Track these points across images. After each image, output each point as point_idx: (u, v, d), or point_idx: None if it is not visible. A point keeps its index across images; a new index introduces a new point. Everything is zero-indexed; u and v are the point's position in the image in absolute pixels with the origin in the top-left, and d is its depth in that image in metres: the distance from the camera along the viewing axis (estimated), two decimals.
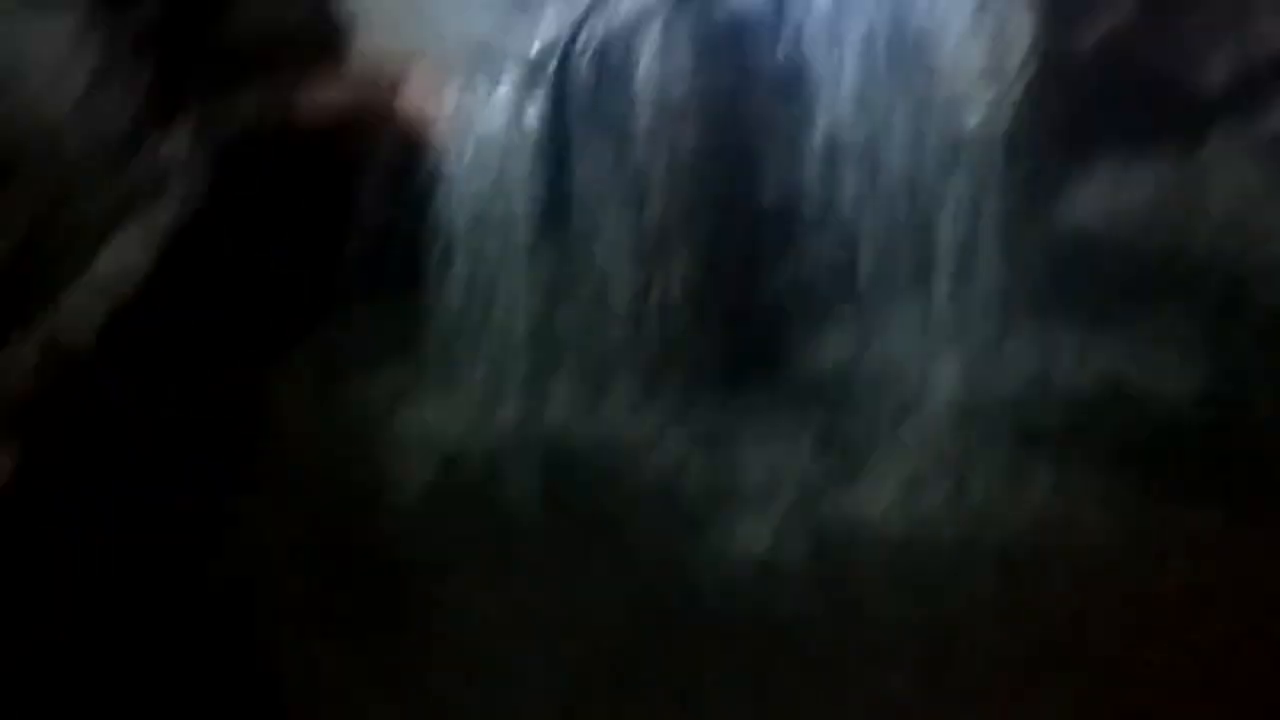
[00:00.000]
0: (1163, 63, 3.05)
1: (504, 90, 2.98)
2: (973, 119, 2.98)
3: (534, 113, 2.97)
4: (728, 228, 3.03)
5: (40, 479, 2.88)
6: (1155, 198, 3.00)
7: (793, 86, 2.99)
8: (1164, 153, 3.02)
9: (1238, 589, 2.79)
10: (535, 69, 2.97)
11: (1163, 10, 3.04)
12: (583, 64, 2.97)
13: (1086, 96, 3.04)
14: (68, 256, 2.90)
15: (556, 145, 2.99)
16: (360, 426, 3.00)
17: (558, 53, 2.96)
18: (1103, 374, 2.95)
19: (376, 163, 2.98)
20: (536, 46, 2.95)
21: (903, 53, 3.00)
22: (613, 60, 2.98)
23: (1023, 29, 3.02)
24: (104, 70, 2.86)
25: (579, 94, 2.98)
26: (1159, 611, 2.82)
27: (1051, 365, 2.97)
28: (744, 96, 3.02)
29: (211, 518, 2.95)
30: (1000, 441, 2.94)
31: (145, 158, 2.90)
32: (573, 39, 2.95)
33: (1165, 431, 2.96)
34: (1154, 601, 2.83)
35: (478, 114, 2.98)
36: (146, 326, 2.90)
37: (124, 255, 2.92)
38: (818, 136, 2.98)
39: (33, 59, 2.83)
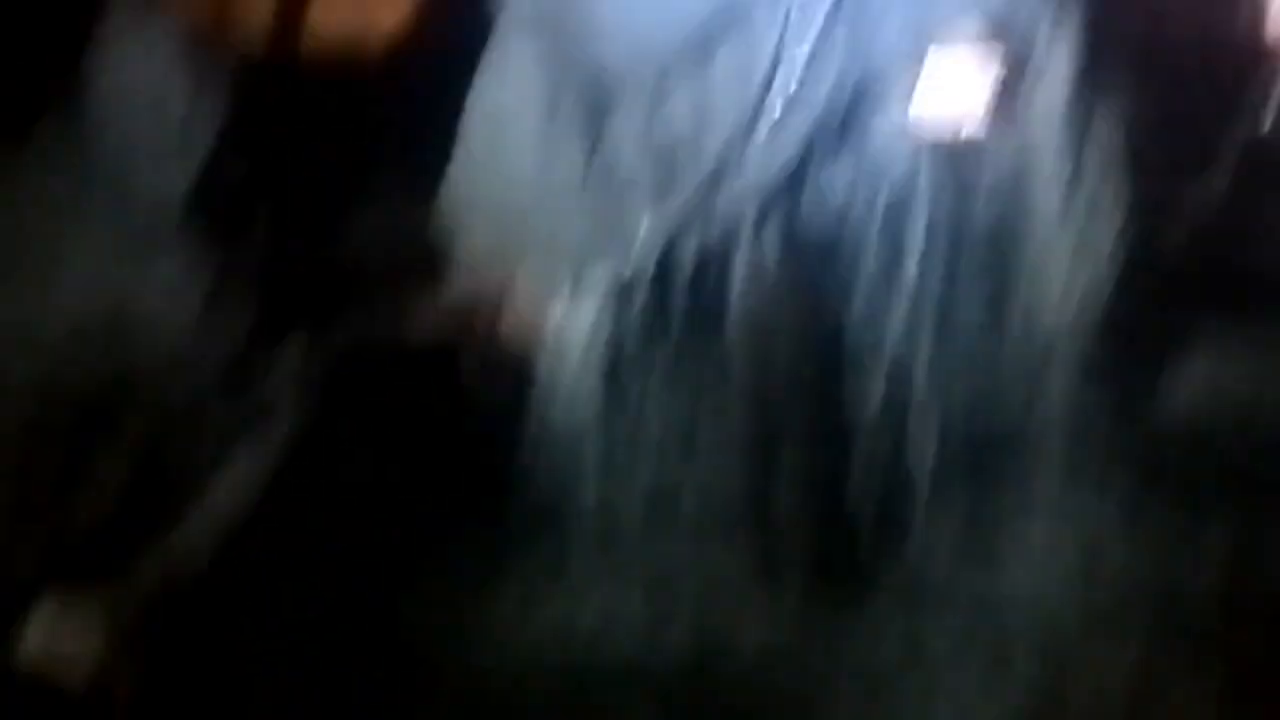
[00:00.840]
0: (1252, 252, 3.08)
1: (602, 301, 3.03)
2: (1063, 313, 3.03)
3: (631, 322, 3.03)
4: (821, 437, 3.07)
5: (158, 707, 2.92)
6: (1252, 386, 3.02)
7: (881, 289, 3.04)
8: (1256, 340, 3.05)
9: None
10: (632, 279, 3.02)
11: (1251, 200, 3.08)
12: (678, 273, 3.03)
13: (1177, 287, 3.07)
14: (181, 485, 2.95)
15: (653, 354, 3.05)
16: (488, 639, 3.02)
17: (654, 263, 3.01)
18: (1211, 566, 2.97)
19: (482, 377, 3.04)
20: (633, 257, 2.99)
21: (993, 246, 3.05)
22: (707, 269, 3.03)
23: (1112, 219, 3.07)
24: (214, 300, 2.92)
25: (675, 303, 3.04)
26: None
27: (1158, 560, 2.98)
28: (835, 303, 3.06)
29: None
30: (1106, 637, 2.95)
31: (255, 383, 2.96)
32: (668, 249, 3.00)
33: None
34: None
35: (578, 325, 3.04)
36: (262, 553, 2.95)
37: (237, 482, 2.96)
38: (908, 338, 3.03)
39: (144, 296, 2.89)
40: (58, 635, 2.92)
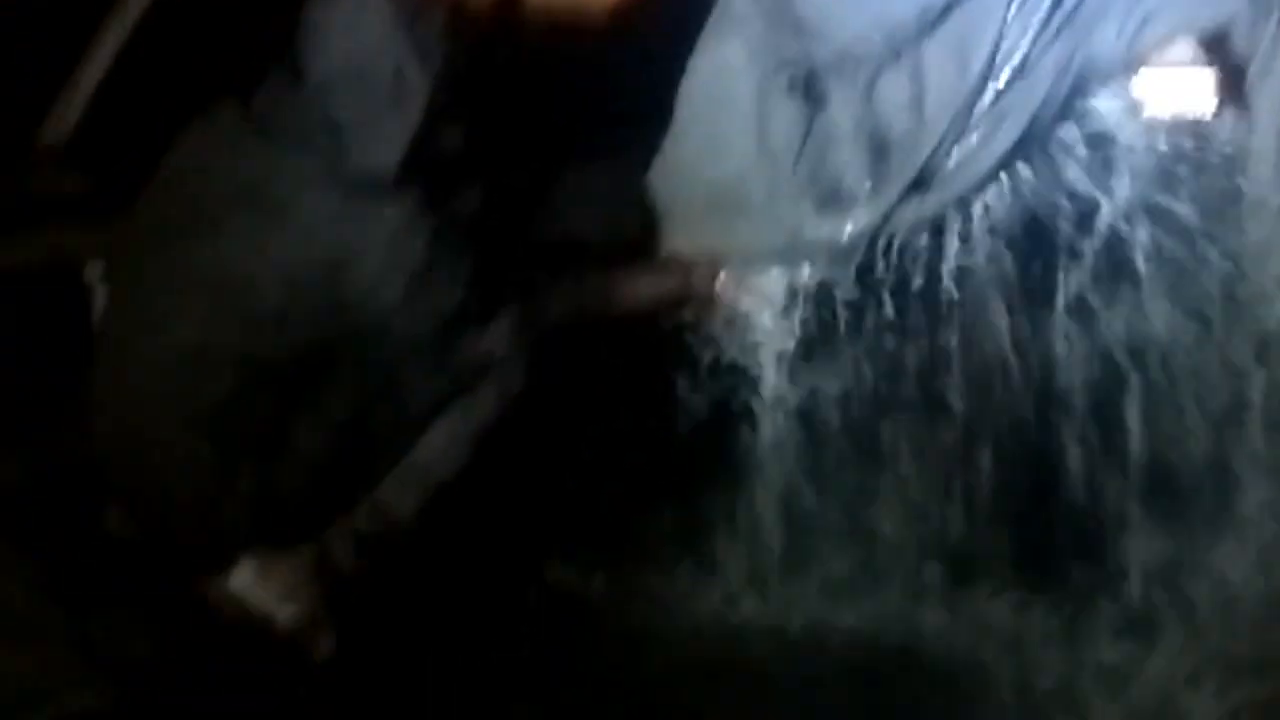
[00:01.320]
0: None
1: (812, 278, 3.02)
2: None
3: (841, 299, 3.02)
4: (1025, 423, 3.05)
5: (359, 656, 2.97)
6: None
7: (1096, 280, 3.00)
8: None
9: None
10: (844, 258, 3.01)
11: None
12: (889, 255, 3.01)
13: None
14: (390, 440, 2.99)
15: (863, 331, 3.04)
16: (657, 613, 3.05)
17: (865, 243, 2.99)
18: None
19: (691, 350, 3.05)
20: (846, 235, 2.97)
21: (1211, 235, 3.00)
22: (919, 249, 3.01)
23: None
24: (429, 262, 2.94)
25: (883, 281, 3.03)
26: None
27: None
28: (1046, 289, 3.03)
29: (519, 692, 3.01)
30: None
31: (466, 349, 2.98)
32: (879, 230, 2.98)
33: None
34: None
35: (788, 299, 3.03)
36: (464, 515, 2.98)
37: (444, 443, 2.99)
38: (1120, 332, 2.99)
39: (364, 248, 2.91)
40: (260, 584, 2.97)
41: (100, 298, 3.08)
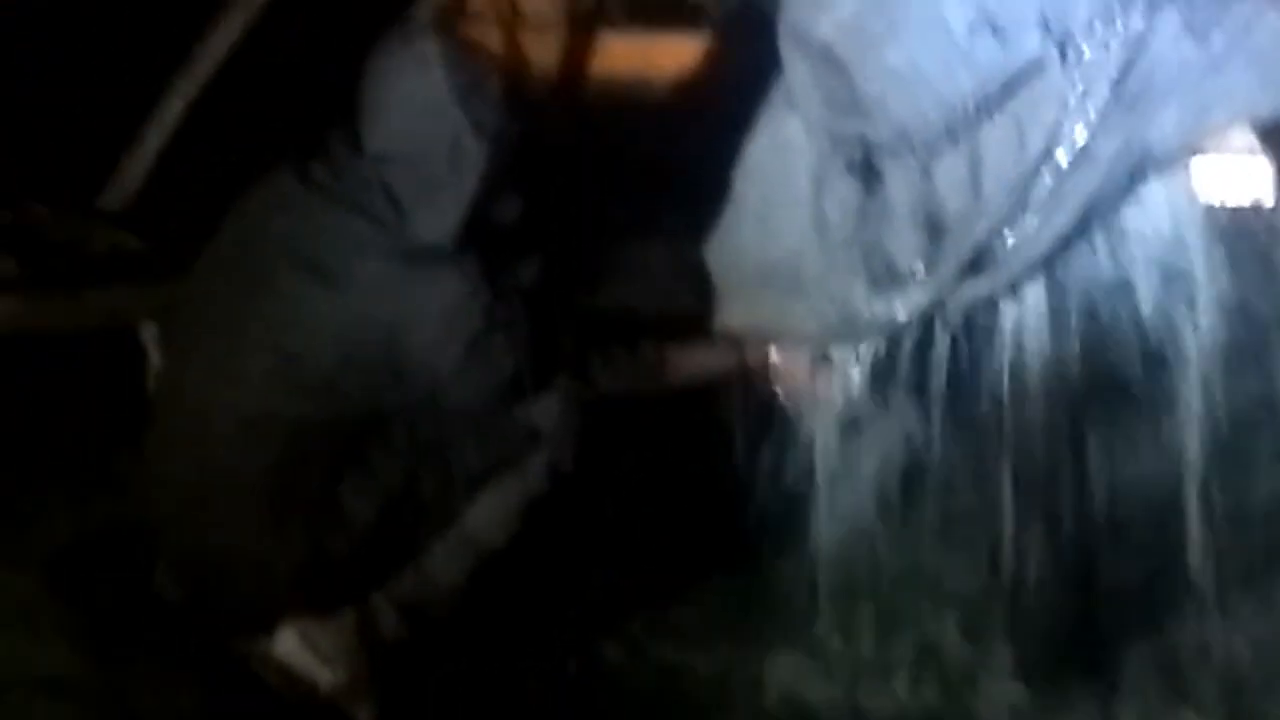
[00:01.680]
0: None
1: (867, 357, 3.01)
2: None
3: (896, 379, 3.01)
4: (1082, 505, 3.02)
5: None
6: None
7: (1153, 361, 2.98)
8: None
9: None
10: (898, 337, 2.99)
11: None
12: (944, 335, 2.99)
13: None
14: (439, 507, 3.00)
15: (918, 412, 3.02)
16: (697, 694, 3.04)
17: (920, 322, 2.98)
18: None
19: (742, 427, 3.05)
20: (900, 316, 2.96)
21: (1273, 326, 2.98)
22: (973, 332, 3.00)
23: None
24: (484, 332, 2.95)
25: (938, 363, 3.01)
26: None
27: None
28: (1102, 370, 3.01)
29: None
30: None
31: (518, 418, 2.99)
32: (934, 310, 2.97)
33: None
34: None
35: (841, 381, 3.02)
36: (506, 583, 2.98)
37: (493, 511, 3.00)
38: (1178, 411, 2.96)
39: (419, 316, 2.92)
40: (304, 649, 2.98)
41: (154, 359, 3.10)
